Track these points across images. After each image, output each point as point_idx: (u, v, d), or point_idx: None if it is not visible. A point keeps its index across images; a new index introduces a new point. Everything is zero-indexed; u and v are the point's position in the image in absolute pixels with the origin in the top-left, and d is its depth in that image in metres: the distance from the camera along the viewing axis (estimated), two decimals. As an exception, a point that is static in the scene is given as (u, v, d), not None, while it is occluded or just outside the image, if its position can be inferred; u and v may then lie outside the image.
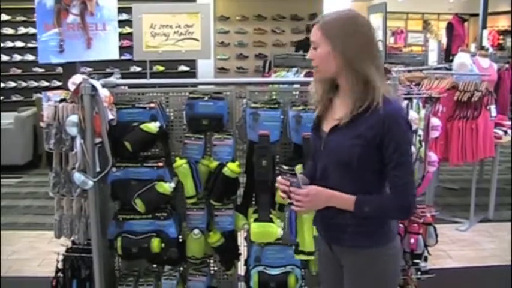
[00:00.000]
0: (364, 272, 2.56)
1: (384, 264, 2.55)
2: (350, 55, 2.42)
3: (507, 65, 8.12)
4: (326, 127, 2.61)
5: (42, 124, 3.65)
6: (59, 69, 10.92)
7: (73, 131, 3.39)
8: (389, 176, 2.44)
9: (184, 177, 3.55)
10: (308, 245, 3.26)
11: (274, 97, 3.72)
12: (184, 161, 3.54)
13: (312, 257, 3.32)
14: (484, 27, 13.64)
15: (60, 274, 3.77)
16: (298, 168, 3.28)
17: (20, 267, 5.19)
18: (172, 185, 3.49)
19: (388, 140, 2.37)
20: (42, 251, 5.43)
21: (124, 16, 10.13)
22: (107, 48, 4.60)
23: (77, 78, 3.46)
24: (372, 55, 2.45)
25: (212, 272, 3.94)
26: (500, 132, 6.35)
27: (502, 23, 19.06)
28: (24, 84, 12.38)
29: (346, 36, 2.43)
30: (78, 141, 3.39)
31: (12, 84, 12.37)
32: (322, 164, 2.61)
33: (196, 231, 3.63)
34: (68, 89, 3.57)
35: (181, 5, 3.91)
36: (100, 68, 8.98)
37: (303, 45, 11.45)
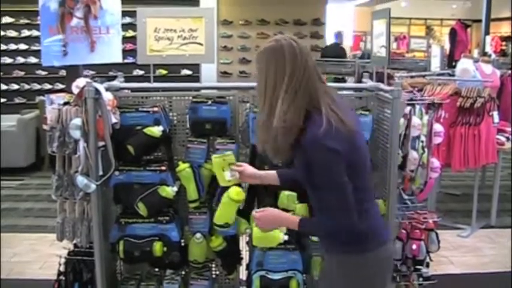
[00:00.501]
0: (331, 275, 2.67)
1: (352, 270, 2.59)
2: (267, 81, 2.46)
3: (510, 71, 8.12)
4: None
5: (45, 127, 3.66)
6: (62, 72, 10.97)
7: (76, 134, 3.40)
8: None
9: (186, 181, 3.55)
10: (220, 219, 3.31)
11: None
12: (187, 165, 3.55)
13: (224, 229, 3.39)
14: (487, 33, 13.67)
15: (62, 277, 3.77)
16: None
17: (21, 269, 5.18)
18: (175, 189, 3.50)
19: (312, 165, 2.41)
20: (43, 254, 5.43)
21: (127, 19, 10.13)
22: (111, 51, 4.61)
23: (80, 82, 3.46)
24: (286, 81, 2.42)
25: (214, 276, 3.95)
26: (503, 139, 6.34)
27: (505, 29, 19.05)
28: (27, 86, 12.37)
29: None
30: (82, 144, 3.40)
31: (15, 86, 12.36)
32: None
33: (198, 235, 3.63)
34: (71, 92, 3.58)
35: (185, 9, 3.91)
36: (103, 71, 8.97)
37: (330, 52, 11.49)
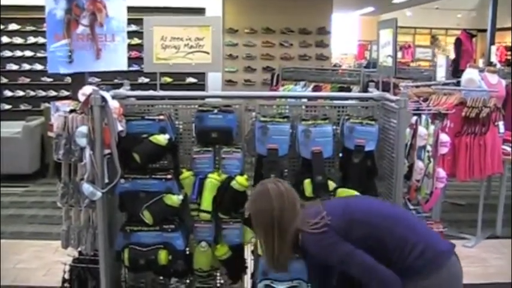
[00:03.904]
0: None
1: None
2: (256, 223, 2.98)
3: (515, 81, 8.10)
4: None
5: (51, 134, 3.67)
6: (68, 79, 10.96)
7: (82, 141, 3.40)
8: None
9: (189, 188, 3.56)
10: (206, 205, 3.50)
11: (282, 111, 3.73)
12: (190, 172, 3.56)
13: (208, 215, 3.52)
14: (492, 43, 13.66)
15: (66, 284, 3.78)
16: None
17: (26, 276, 5.18)
18: (181, 197, 3.49)
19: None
20: (48, 261, 5.42)
21: (133, 27, 10.15)
22: (116, 59, 4.61)
23: (87, 89, 3.47)
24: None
25: (219, 285, 3.94)
26: (508, 149, 6.32)
27: (510, 38, 19.05)
28: (32, 93, 12.43)
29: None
30: (88, 152, 3.41)
31: (20, 93, 12.42)
32: None
33: (203, 243, 3.63)
34: (76, 99, 3.58)
35: (192, 18, 3.91)
36: (108, 78, 9.00)
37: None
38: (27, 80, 12.42)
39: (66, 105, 3.74)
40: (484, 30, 15.33)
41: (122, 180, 3.50)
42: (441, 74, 8.65)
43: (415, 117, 3.76)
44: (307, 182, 3.45)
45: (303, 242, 2.84)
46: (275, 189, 2.89)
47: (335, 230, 2.74)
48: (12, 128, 8.88)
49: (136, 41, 10.60)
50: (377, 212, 2.91)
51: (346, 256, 2.73)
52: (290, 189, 2.97)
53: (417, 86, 7.17)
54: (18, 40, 12.40)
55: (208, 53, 3.75)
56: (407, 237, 2.77)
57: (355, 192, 3.42)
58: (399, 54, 14.64)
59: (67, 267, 3.78)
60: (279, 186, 2.92)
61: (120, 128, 3.47)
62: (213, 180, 3.53)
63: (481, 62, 14.09)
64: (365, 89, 7.37)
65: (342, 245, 2.73)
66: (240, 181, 3.48)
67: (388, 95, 3.73)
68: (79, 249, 3.75)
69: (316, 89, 9.31)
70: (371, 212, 2.88)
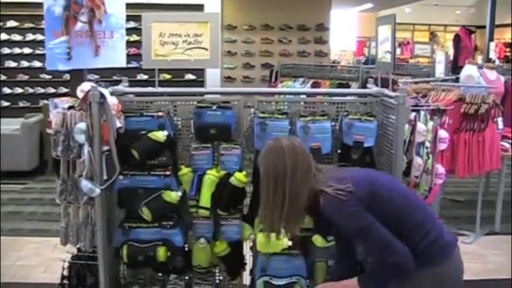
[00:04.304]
0: None
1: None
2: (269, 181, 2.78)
3: (514, 77, 8.10)
4: None
5: (50, 131, 3.66)
6: (66, 76, 10.98)
7: (81, 138, 3.39)
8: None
9: (188, 185, 3.57)
10: (205, 202, 3.48)
11: (280, 107, 3.73)
12: (189, 169, 3.56)
13: (207, 212, 3.50)
14: (491, 39, 13.65)
15: (65, 281, 3.78)
16: None
17: (25, 273, 5.19)
18: (179, 193, 3.49)
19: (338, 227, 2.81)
20: (47, 258, 5.42)
21: (131, 24, 10.13)
22: (115, 55, 4.61)
23: (85, 86, 3.47)
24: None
25: (217, 281, 3.94)
26: (507, 145, 6.33)
27: (509, 35, 19.05)
28: (31, 90, 12.42)
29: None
30: (86, 148, 3.40)
31: (19, 90, 12.41)
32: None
33: (202, 240, 3.63)
34: (75, 96, 3.58)
35: (190, 14, 3.92)
36: (107, 75, 9.00)
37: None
38: (26, 77, 12.41)
39: (64, 102, 3.74)
40: (483, 27, 15.33)
41: (121, 177, 3.50)
42: (440, 70, 8.65)
43: (413, 114, 3.76)
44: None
45: (325, 205, 2.70)
46: (290, 146, 2.77)
47: (359, 199, 2.66)
48: (11, 125, 8.88)
49: (135, 37, 10.60)
50: (399, 191, 2.85)
51: (367, 227, 2.63)
52: (304, 149, 2.84)
53: (416, 82, 7.17)
54: (17, 37, 12.39)
55: (206, 49, 3.75)
56: (424, 222, 2.74)
57: None
58: (398, 51, 14.66)
59: (66, 264, 3.78)
60: (294, 143, 2.80)
61: (118, 125, 3.47)
62: (212, 176, 3.53)
63: (479, 59, 14.08)
64: (364, 86, 7.36)
65: (364, 215, 2.64)
66: (239, 177, 3.48)
67: (386, 91, 3.72)
68: (78, 246, 3.75)
69: (315, 85, 9.31)
70: (393, 190, 2.81)
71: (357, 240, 2.85)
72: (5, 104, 12.23)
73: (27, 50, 12.37)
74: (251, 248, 3.83)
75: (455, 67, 10.82)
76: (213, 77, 11.86)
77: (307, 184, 2.72)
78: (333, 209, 2.69)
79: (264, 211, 2.83)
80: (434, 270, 2.69)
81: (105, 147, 3.45)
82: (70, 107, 3.60)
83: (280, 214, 2.73)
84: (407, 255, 2.60)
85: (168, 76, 11.87)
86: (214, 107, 3.60)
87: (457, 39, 12.63)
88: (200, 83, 12.24)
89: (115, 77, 9.85)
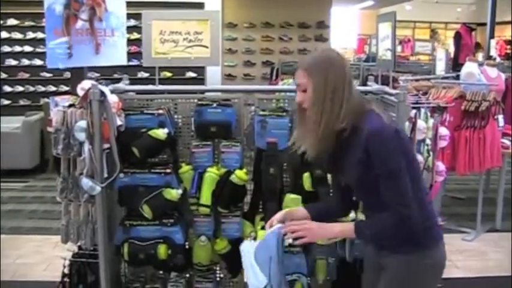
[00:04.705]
0: (399, 277, 2.63)
1: (421, 273, 2.60)
2: (328, 89, 2.54)
3: (514, 75, 8.10)
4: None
5: (50, 129, 3.66)
6: (67, 74, 11.01)
7: (81, 136, 3.39)
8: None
9: (188, 183, 3.57)
10: (205, 200, 3.48)
11: (281, 105, 3.73)
12: (189, 167, 3.56)
13: (207, 210, 3.49)
14: (492, 36, 13.64)
15: (66, 279, 3.77)
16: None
17: (25, 271, 5.19)
18: (180, 191, 3.49)
19: (373, 157, 2.45)
20: (48, 256, 5.43)
21: (132, 22, 10.13)
22: (116, 54, 4.60)
23: (85, 84, 3.46)
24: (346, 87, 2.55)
25: (218, 279, 3.94)
26: (508, 142, 6.32)
27: (510, 32, 19.03)
28: (32, 88, 12.42)
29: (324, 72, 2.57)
30: (87, 146, 3.40)
31: (20, 88, 12.41)
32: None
33: (202, 238, 3.63)
34: (75, 94, 3.58)
35: (191, 12, 3.91)
36: (107, 73, 8.99)
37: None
38: (27, 75, 12.40)
39: (65, 100, 3.74)
40: (484, 24, 15.32)
41: (121, 175, 3.50)
42: (440, 67, 8.65)
43: (414, 111, 3.76)
44: (306, 176, 3.45)
45: (371, 128, 2.44)
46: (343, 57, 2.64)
47: (404, 139, 2.55)
48: (12, 123, 8.90)
49: (135, 35, 10.57)
50: (417, 161, 2.76)
51: (400, 171, 2.43)
52: None
53: (416, 80, 7.17)
54: (17, 35, 12.38)
55: (207, 47, 3.75)
56: (426, 194, 2.70)
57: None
58: (399, 48, 14.62)
59: (67, 262, 3.78)
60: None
61: (119, 123, 3.47)
62: (212, 174, 3.53)
63: (480, 56, 14.08)
64: (364, 83, 7.36)
65: (403, 157, 2.44)
66: (239, 175, 3.48)
67: (387, 89, 3.72)
68: (78, 244, 3.75)
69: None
70: (415, 156, 2.73)
71: (382, 180, 2.47)
72: (6, 102, 12.23)
73: (27, 48, 12.37)
74: (252, 246, 3.83)
75: (455, 64, 10.82)
76: (213, 75, 11.84)
77: (352, 95, 2.55)
78: (380, 136, 2.44)
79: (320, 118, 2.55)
80: (425, 253, 2.60)
81: (106, 145, 3.44)
82: (70, 105, 3.59)
83: (318, 125, 2.53)
84: (415, 214, 2.45)
85: (168, 74, 11.87)
86: (214, 105, 3.60)
87: (457, 37, 12.62)
88: (201, 80, 12.23)
89: (115, 75, 9.85)
